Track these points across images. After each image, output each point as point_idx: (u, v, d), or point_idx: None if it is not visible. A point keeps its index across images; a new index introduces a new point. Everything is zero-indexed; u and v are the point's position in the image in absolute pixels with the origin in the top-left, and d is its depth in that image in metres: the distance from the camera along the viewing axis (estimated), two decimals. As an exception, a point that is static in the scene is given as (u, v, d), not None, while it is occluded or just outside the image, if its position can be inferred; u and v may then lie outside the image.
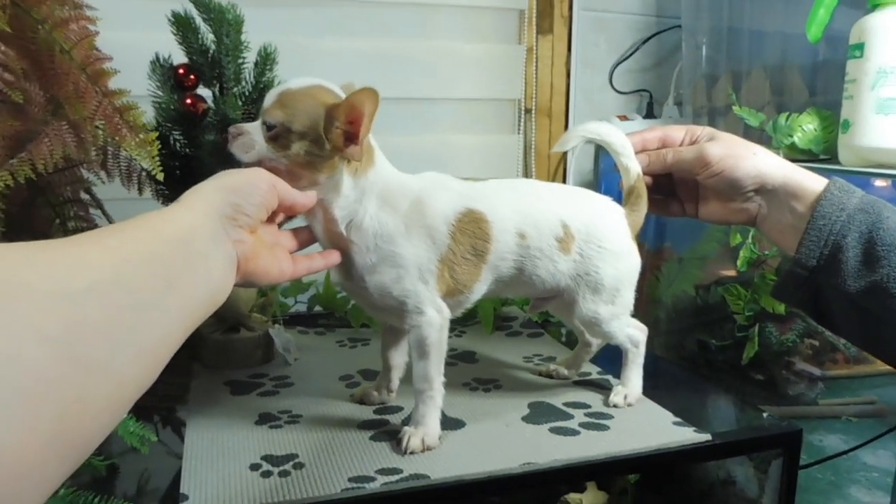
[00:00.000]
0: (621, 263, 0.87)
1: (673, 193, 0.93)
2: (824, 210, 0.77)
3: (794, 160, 1.18)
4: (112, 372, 0.40)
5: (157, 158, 0.72)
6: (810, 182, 0.80)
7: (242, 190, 0.63)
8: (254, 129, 0.73)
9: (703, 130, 0.88)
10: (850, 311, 0.77)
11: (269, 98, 0.74)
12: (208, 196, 0.61)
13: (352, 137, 0.72)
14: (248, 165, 0.73)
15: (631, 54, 1.65)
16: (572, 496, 1.03)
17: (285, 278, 0.71)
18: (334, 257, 0.77)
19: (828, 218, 0.76)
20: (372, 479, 0.71)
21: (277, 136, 0.72)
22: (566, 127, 1.60)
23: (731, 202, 0.85)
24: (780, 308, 1.25)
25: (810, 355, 1.32)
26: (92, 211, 0.95)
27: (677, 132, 0.90)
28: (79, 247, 0.44)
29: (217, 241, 0.58)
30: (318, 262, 0.76)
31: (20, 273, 0.37)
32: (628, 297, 0.89)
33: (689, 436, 0.82)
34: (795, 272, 0.78)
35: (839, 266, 0.75)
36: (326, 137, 0.72)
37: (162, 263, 0.48)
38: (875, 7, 1.07)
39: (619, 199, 0.91)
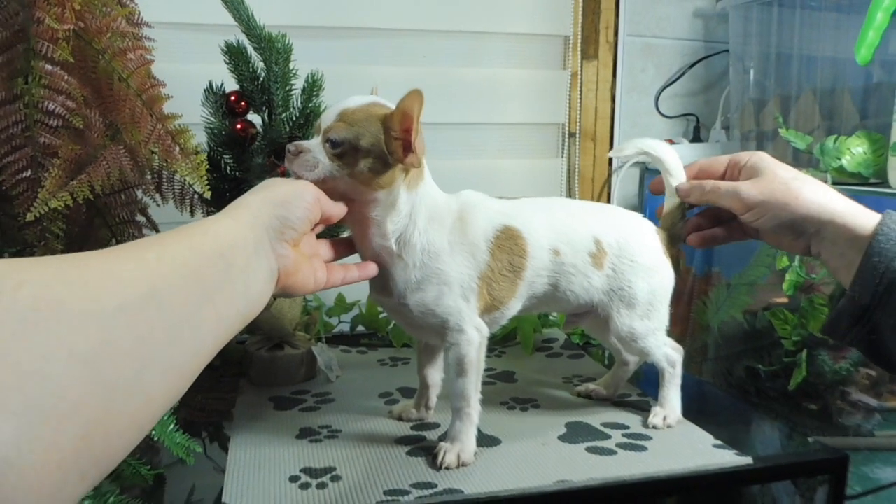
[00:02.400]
0: (654, 278, 0.87)
1: (719, 223, 0.91)
2: (880, 246, 0.74)
3: (842, 184, 1.17)
4: (139, 391, 0.40)
5: (206, 178, 0.75)
6: (862, 218, 0.77)
7: (290, 203, 0.64)
8: (315, 147, 0.74)
9: (748, 159, 0.85)
10: None
11: (329, 116, 0.74)
12: (256, 208, 0.61)
13: (407, 146, 0.73)
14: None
15: (677, 79, 1.65)
16: (612, 520, 1.01)
17: (319, 288, 0.71)
18: (371, 269, 0.77)
19: (883, 255, 0.73)
20: (407, 493, 0.73)
21: (343, 153, 0.73)
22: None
23: (780, 237, 0.83)
24: (830, 333, 1.21)
25: (867, 385, 1.28)
26: (147, 232, 1.00)
27: (718, 163, 0.89)
28: (115, 262, 0.44)
29: (260, 255, 0.59)
30: (354, 273, 0.76)
31: (54, 290, 0.37)
32: (663, 313, 0.89)
33: (729, 459, 0.81)
34: (849, 309, 0.76)
35: (895, 304, 0.73)
36: (388, 150, 0.73)
37: (198, 278, 0.48)
38: (926, 28, 1.06)
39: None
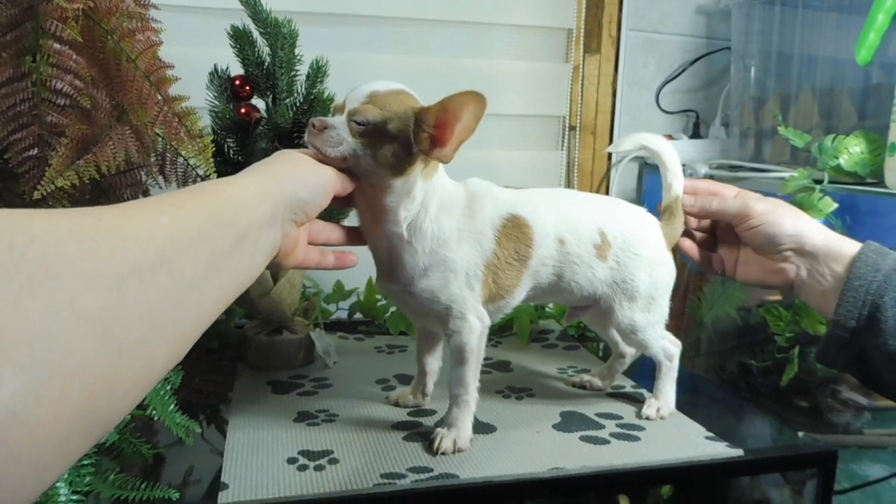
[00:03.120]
0: (656, 271, 0.88)
1: (715, 250, 0.95)
2: (860, 271, 0.79)
3: (839, 182, 1.18)
4: (144, 354, 0.40)
5: (212, 161, 0.76)
6: (846, 245, 0.83)
7: (314, 188, 0.65)
8: (339, 125, 0.72)
9: (754, 195, 0.91)
10: (895, 370, 0.77)
11: (358, 96, 0.73)
12: (283, 183, 0.61)
13: (436, 142, 0.74)
14: (330, 161, 0.72)
15: (678, 74, 1.66)
16: (604, 510, 1.03)
17: (297, 265, 0.70)
18: (350, 261, 0.77)
19: (864, 278, 0.78)
20: (403, 476, 0.74)
21: (369, 133, 0.72)
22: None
23: (770, 262, 0.88)
24: (822, 330, 1.23)
25: (857, 384, 1.30)
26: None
27: (729, 190, 0.93)
28: (131, 221, 0.43)
29: (270, 230, 0.59)
30: (330, 259, 0.76)
31: (66, 248, 0.37)
32: (664, 306, 0.90)
33: (720, 450, 0.82)
34: (836, 334, 0.80)
35: (879, 325, 0.76)
36: (415, 140, 0.73)
37: (211, 249, 0.48)
38: (925, 30, 1.06)
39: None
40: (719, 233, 0.95)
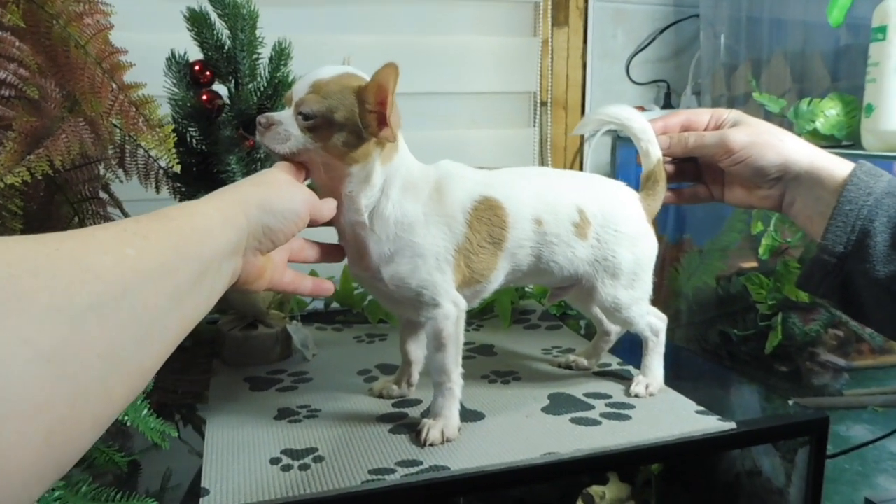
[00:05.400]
0: (638, 247, 0.86)
1: (699, 179, 0.92)
2: (851, 195, 0.75)
3: (817, 146, 1.17)
4: (104, 391, 0.38)
5: (174, 151, 0.72)
6: (837, 167, 0.78)
7: (282, 216, 0.62)
8: (286, 119, 0.71)
9: (728, 114, 0.87)
10: (880, 298, 0.75)
11: (302, 88, 0.72)
12: (250, 211, 0.59)
13: (382, 120, 0.71)
14: (281, 157, 0.71)
15: (648, 45, 1.64)
16: (595, 488, 1.02)
17: (265, 287, 0.68)
18: (325, 289, 0.76)
19: (854, 203, 0.75)
20: (392, 472, 0.71)
21: (316, 126, 0.71)
22: (583, 119, 1.59)
23: (757, 189, 0.84)
24: (803, 297, 1.23)
25: (835, 346, 1.30)
26: (110, 209, 0.95)
27: (702, 116, 0.89)
28: (93, 252, 0.41)
29: (232, 259, 0.57)
30: (307, 285, 0.74)
31: (21, 281, 0.35)
32: (647, 282, 0.88)
33: (713, 424, 0.81)
34: (822, 259, 0.77)
35: (867, 251, 0.73)
36: (363, 124, 0.71)
37: (174, 280, 0.46)
38: (898, -11, 1.05)
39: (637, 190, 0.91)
40: (700, 160, 0.91)
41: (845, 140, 1.18)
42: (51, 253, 0.38)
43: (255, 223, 0.59)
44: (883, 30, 1.05)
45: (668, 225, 1.59)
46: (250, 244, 0.59)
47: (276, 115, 0.72)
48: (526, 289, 1.31)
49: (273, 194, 0.63)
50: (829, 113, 1.17)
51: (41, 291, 0.35)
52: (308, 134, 0.71)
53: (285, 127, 0.71)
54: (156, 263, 0.44)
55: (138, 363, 0.42)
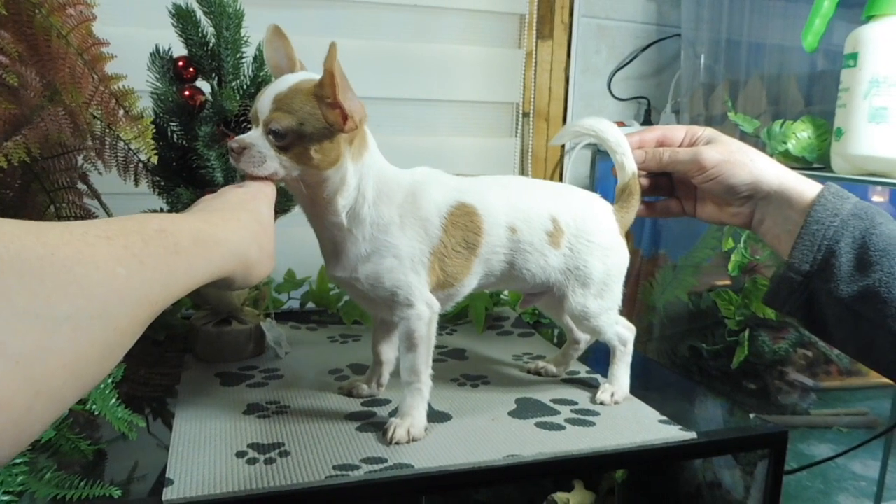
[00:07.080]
0: (610, 258, 0.88)
1: (672, 194, 0.94)
2: (818, 215, 0.77)
3: (788, 167, 1.20)
4: (59, 399, 0.39)
5: (152, 144, 0.72)
6: (805, 188, 0.80)
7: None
8: (257, 141, 0.71)
9: (703, 132, 0.88)
10: (843, 317, 0.77)
11: (265, 105, 0.71)
12: (236, 270, 0.59)
13: (343, 111, 0.71)
14: (257, 178, 0.72)
15: (630, 62, 1.66)
16: (559, 495, 1.03)
17: None
18: None
19: (821, 223, 0.76)
20: (356, 468, 0.72)
21: (290, 144, 0.71)
22: (564, 132, 1.61)
23: (728, 206, 0.86)
24: (772, 314, 1.25)
25: (803, 366, 1.32)
26: (87, 200, 0.96)
27: (677, 132, 0.90)
28: (85, 263, 0.41)
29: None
30: None
31: (4, 279, 0.35)
32: (617, 292, 0.90)
33: (674, 434, 0.82)
34: (788, 277, 0.78)
35: (832, 271, 0.75)
36: (328, 122, 0.71)
37: (153, 310, 0.46)
38: (870, 18, 1.08)
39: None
40: (674, 175, 0.92)
41: (816, 162, 1.21)
42: (44, 257, 0.38)
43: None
44: (854, 56, 1.08)
45: (644, 239, 1.61)
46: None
47: (246, 137, 0.72)
48: (501, 295, 1.32)
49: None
50: (800, 135, 1.19)
51: (21, 294, 0.36)
52: (283, 155, 0.71)
53: (258, 149, 0.71)
54: (141, 293, 0.44)
55: (93, 379, 0.42)
